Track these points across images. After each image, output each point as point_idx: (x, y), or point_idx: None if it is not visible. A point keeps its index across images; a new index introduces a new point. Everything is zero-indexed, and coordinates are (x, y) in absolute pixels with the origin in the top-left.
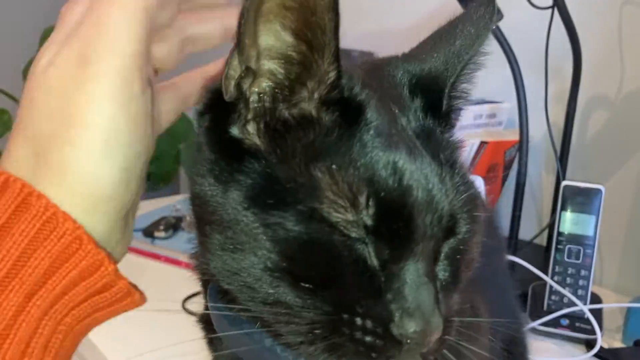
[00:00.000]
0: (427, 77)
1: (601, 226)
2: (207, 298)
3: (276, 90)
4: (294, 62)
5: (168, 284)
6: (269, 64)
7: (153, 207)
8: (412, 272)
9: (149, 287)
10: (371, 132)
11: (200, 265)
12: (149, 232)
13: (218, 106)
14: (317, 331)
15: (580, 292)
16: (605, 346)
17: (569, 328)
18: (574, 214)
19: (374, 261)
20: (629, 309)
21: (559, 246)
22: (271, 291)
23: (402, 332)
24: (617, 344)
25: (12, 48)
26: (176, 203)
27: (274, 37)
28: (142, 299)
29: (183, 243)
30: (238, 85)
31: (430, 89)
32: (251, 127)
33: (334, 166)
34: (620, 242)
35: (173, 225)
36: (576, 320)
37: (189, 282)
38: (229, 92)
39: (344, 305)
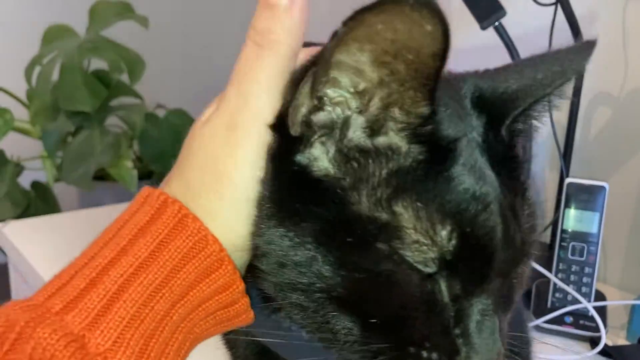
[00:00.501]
0: (495, 95)
1: (605, 223)
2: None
3: (357, 120)
4: (383, 93)
5: None
6: (350, 95)
7: None
8: (481, 308)
9: None
10: (459, 166)
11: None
12: None
13: (283, 131)
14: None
15: (584, 289)
16: (610, 343)
17: (573, 325)
18: (577, 211)
19: (444, 296)
20: (633, 306)
21: (562, 243)
22: (335, 322)
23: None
24: (622, 341)
25: (14, 47)
26: None
27: (361, 70)
28: (252, 317)
29: None
30: (306, 119)
31: (495, 108)
32: (318, 152)
33: (418, 203)
34: (624, 239)
35: None
36: (580, 318)
37: None
38: (296, 125)
39: (410, 338)
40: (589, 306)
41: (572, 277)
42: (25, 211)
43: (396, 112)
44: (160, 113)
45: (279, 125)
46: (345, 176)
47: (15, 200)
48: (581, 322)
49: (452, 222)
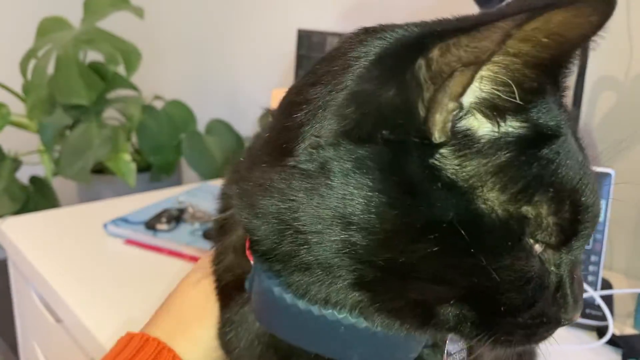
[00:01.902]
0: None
1: (611, 210)
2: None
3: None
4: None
5: (171, 277)
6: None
7: (155, 200)
8: (569, 265)
9: (151, 280)
10: (566, 143)
11: (224, 262)
12: (150, 225)
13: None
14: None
15: (590, 277)
16: (617, 333)
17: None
18: None
19: (551, 264)
20: None
21: None
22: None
23: (567, 317)
24: (629, 330)
25: (9, 40)
26: (179, 195)
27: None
28: None
29: (186, 235)
30: (452, 125)
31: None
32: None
33: (550, 188)
34: (630, 226)
35: (176, 217)
36: (586, 307)
37: None
38: (439, 132)
39: (527, 314)
40: (596, 295)
41: None
42: (24, 206)
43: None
44: (159, 105)
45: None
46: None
47: (14, 195)
48: (587, 311)
49: (569, 199)
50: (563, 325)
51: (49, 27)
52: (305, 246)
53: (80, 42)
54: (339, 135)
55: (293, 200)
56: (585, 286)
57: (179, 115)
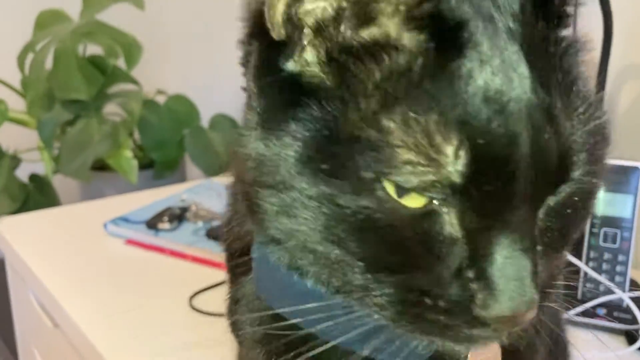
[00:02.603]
0: None
1: (639, 207)
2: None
3: (341, 10)
4: None
5: (173, 279)
6: None
7: (157, 198)
8: (505, 246)
9: (153, 282)
10: (472, 59)
11: (234, 230)
12: (152, 224)
13: (263, 36)
14: (386, 310)
15: (617, 278)
16: None
17: (606, 318)
18: (608, 194)
19: (455, 231)
20: None
21: (592, 230)
22: (343, 266)
23: (485, 314)
24: None
25: (6, 34)
26: (182, 193)
27: None
28: None
29: (189, 235)
30: (288, 16)
31: None
32: (310, 55)
33: (411, 113)
34: None
35: (178, 216)
36: (614, 309)
37: (196, 277)
38: (277, 27)
39: (415, 284)
40: (624, 296)
41: (605, 266)
42: (24, 205)
43: None
44: (161, 100)
45: (259, 32)
46: (336, 85)
47: (13, 194)
48: (615, 313)
49: (460, 130)
50: (494, 327)
51: (47, 20)
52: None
53: (79, 35)
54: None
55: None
56: (613, 287)
57: (181, 109)
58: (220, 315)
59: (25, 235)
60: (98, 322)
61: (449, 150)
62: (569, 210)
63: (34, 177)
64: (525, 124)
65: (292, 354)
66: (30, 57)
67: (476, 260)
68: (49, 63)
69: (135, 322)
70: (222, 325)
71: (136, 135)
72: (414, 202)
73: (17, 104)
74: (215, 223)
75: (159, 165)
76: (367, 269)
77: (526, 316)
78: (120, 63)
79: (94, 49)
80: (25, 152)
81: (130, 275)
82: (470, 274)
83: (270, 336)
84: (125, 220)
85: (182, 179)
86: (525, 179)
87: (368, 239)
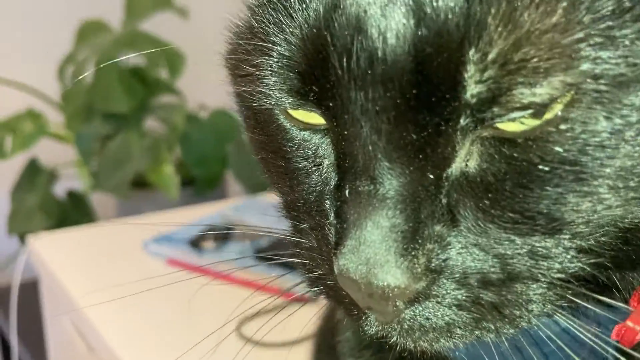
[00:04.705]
0: None
1: None
2: None
3: None
4: None
5: (220, 303)
6: None
7: (198, 215)
8: (350, 179)
9: (197, 306)
10: None
11: None
12: (196, 243)
13: None
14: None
15: None
16: None
17: None
18: None
19: (321, 153)
20: None
21: None
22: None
23: (338, 264)
24: None
25: (44, 45)
26: (226, 209)
27: None
28: None
29: (235, 255)
30: None
31: None
32: None
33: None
34: None
35: (223, 235)
36: None
37: (245, 301)
38: None
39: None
40: None
41: None
42: (61, 222)
43: None
44: (204, 114)
45: None
46: None
47: (49, 211)
48: None
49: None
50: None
51: (88, 31)
52: None
53: (120, 45)
54: None
55: None
56: None
57: (224, 124)
58: (272, 345)
59: (60, 252)
60: (135, 347)
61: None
62: (512, 156)
63: (71, 194)
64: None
65: None
66: (70, 69)
67: (339, 195)
68: (89, 75)
69: (176, 349)
70: (273, 356)
71: (177, 150)
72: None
73: (55, 118)
74: (264, 243)
75: (201, 182)
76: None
77: (382, 296)
78: (163, 74)
79: (136, 60)
80: (63, 168)
81: (172, 298)
82: (332, 216)
83: None
84: (167, 238)
85: (223, 196)
86: (348, 65)
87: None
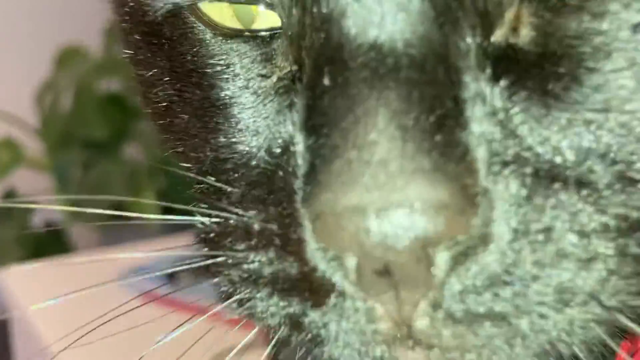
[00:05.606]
0: None
1: None
2: None
3: None
4: None
5: (196, 339)
6: None
7: (181, 244)
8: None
9: (174, 343)
10: None
11: None
12: (173, 276)
13: None
14: None
15: None
16: None
17: None
18: None
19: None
20: None
21: None
22: None
23: (307, 204)
24: None
25: (21, 71)
26: None
27: None
28: None
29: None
30: None
31: None
32: None
33: None
34: None
35: (205, 267)
36: None
37: (226, 337)
38: None
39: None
40: None
41: None
42: (38, 254)
43: None
44: None
45: None
46: None
47: (25, 242)
48: None
49: None
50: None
51: (67, 57)
52: None
53: (100, 71)
54: None
55: None
56: None
57: None
58: None
59: (33, 289)
60: None
61: None
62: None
63: (49, 224)
64: None
65: None
66: (49, 96)
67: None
68: (68, 102)
69: None
70: None
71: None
72: None
73: (34, 146)
74: None
75: (183, 211)
76: None
77: (415, 243)
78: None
79: (116, 86)
80: (40, 197)
81: (149, 337)
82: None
83: None
84: (144, 270)
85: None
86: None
87: None
